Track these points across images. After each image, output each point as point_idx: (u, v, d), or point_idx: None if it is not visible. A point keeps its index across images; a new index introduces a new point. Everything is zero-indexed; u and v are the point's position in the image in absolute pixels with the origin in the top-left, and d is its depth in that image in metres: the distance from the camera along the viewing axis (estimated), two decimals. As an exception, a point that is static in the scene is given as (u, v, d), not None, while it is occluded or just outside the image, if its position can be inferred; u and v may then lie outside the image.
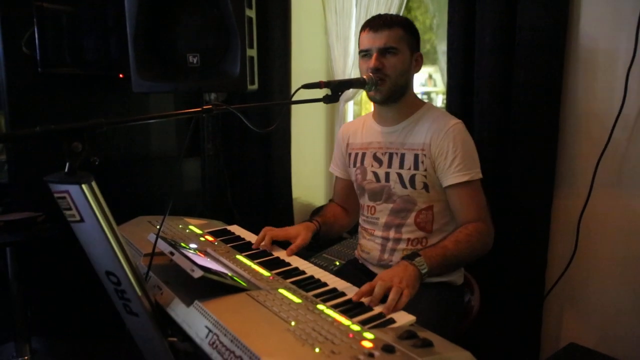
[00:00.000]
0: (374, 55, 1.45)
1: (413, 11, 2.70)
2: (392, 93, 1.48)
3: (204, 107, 1.14)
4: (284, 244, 1.48)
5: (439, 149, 1.45)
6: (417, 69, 1.54)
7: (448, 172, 1.44)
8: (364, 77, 1.44)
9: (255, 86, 2.27)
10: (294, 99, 1.36)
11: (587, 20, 1.61)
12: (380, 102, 1.52)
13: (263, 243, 1.45)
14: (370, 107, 2.97)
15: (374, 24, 1.47)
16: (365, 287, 1.11)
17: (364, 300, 1.08)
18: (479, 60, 1.79)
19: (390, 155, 1.55)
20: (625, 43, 1.51)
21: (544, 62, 1.63)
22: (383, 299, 1.08)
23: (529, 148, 1.70)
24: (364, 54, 1.49)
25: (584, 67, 1.63)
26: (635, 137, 1.54)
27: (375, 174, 1.57)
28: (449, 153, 1.43)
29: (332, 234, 1.74)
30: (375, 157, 1.58)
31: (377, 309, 1.05)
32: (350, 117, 2.93)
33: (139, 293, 0.98)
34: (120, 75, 2.43)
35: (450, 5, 1.88)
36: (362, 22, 2.44)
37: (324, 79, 1.39)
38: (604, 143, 1.58)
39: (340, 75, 2.64)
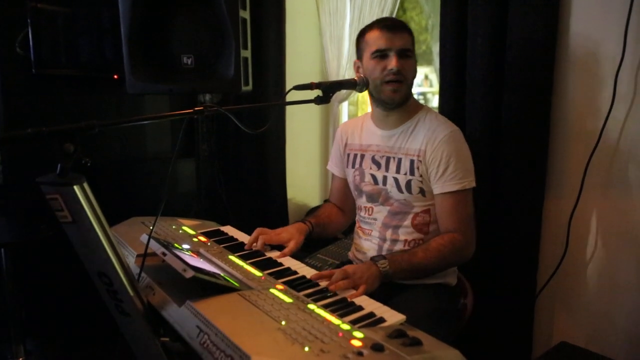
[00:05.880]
0: (395, 56, 1.41)
1: (408, 12, 2.71)
2: (407, 96, 1.49)
3: (196, 108, 1.15)
4: (277, 246, 1.49)
5: (432, 156, 1.45)
6: None
7: (439, 181, 1.45)
8: (355, 78, 1.45)
9: (250, 87, 2.28)
10: (286, 100, 1.37)
11: (577, 23, 1.62)
12: (396, 105, 1.50)
13: (256, 245, 1.45)
14: (366, 107, 2.98)
15: (390, 24, 1.43)
16: (326, 272, 1.23)
17: (322, 282, 1.19)
18: (470, 62, 1.81)
19: (388, 159, 1.55)
20: (614, 45, 1.52)
21: (535, 64, 1.65)
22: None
23: (520, 149, 1.72)
24: (379, 54, 1.43)
25: (574, 69, 1.64)
26: (624, 138, 1.56)
27: (374, 177, 1.58)
28: (441, 161, 1.44)
29: (325, 235, 1.74)
30: (374, 160, 1.58)
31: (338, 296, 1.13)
32: (345, 118, 2.93)
33: (131, 294, 0.99)
34: (115, 77, 2.42)
35: (443, 7, 1.89)
36: (356, 23, 2.48)
37: (318, 80, 1.40)
38: (593, 144, 1.59)
39: (334, 76, 2.65)
